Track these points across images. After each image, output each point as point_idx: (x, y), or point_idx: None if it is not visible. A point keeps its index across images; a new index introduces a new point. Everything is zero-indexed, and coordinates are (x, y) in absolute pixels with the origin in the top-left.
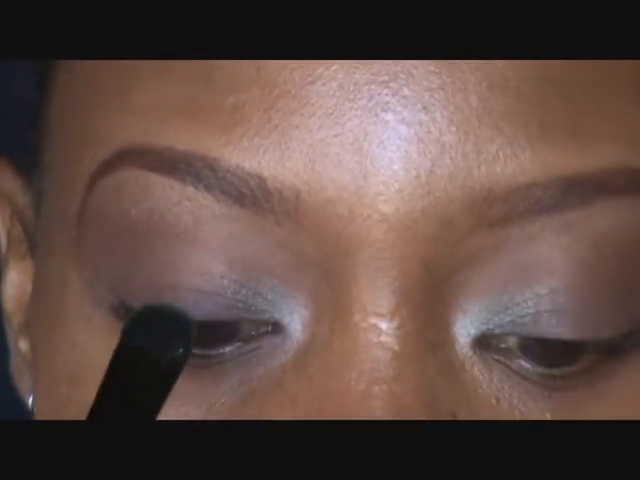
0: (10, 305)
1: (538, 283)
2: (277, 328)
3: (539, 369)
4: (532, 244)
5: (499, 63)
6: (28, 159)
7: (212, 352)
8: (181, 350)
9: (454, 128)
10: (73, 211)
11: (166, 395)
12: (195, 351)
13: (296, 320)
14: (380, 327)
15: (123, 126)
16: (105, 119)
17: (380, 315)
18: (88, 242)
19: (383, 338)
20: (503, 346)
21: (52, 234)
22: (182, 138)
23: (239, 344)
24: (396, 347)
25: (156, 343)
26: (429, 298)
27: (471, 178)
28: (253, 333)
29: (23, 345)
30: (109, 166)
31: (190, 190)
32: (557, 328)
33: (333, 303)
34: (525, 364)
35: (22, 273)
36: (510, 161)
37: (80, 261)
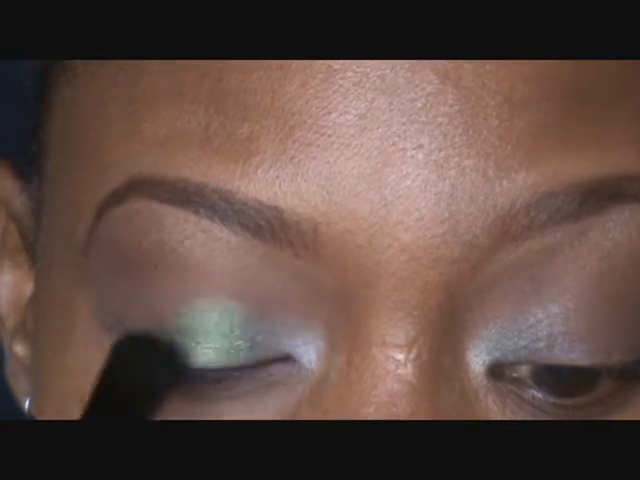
0: (4, 307)
1: (551, 302)
2: (290, 359)
3: (552, 399)
4: (551, 257)
5: (519, 85)
6: (28, 166)
7: (224, 381)
8: (163, 379)
9: (474, 151)
10: (80, 236)
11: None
12: (207, 379)
13: (311, 351)
14: (398, 359)
15: (133, 155)
16: (114, 146)
17: (398, 346)
18: (95, 269)
19: (400, 370)
20: (516, 375)
21: (56, 253)
22: (195, 169)
23: (251, 372)
24: (413, 380)
25: (139, 369)
26: (447, 325)
27: (492, 196)
28: (266, 362)
29: (19, 348)
30: (119, 196)
31: (205, 222)
32: (570, 354)
33: (350, 334)
34: (537, 394)
35: (17, 275)
36: (531, 171)
37: (87, 287)
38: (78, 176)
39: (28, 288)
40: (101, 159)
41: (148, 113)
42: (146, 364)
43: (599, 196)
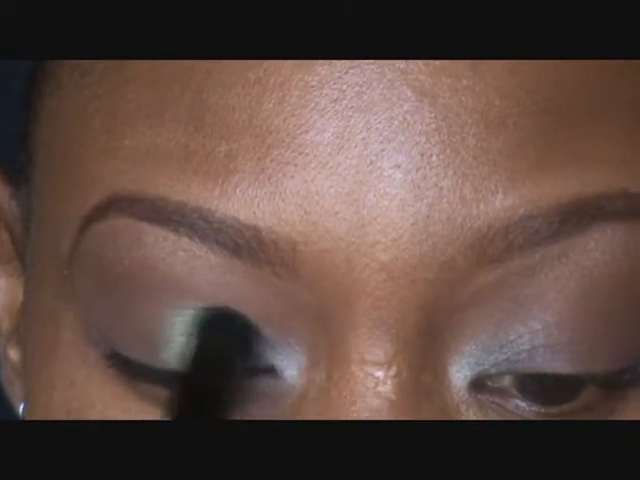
0: None
1: (532, 319)
2: (272, 372)
3: (535, 408)
4: (530, 278)
5: (496, 101)
6: (17, 173)
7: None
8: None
9: (451, 172)
10: (64, 250)
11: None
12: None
13: (293, 366)
14: (377, 376)
15: (114, 171)
16: (96, 160)
17: (377, 364)
18: (80, 284)
19: (380, 387)
20: (498, 386)
21: (43, 265)
22: (175, 188)
23: (230, 384)
24: (393, 396)
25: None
26: (426, 343)
27: (470, 218)
28: (244, 375)
29: (12, 353)
30: (101, 211)
31: (184, 241)
32: (552, 362)
33: (330, 351)
34: (521, 403)
35: (10, 281)
36: (509, 194)
37: (72, 300)
38: (62, 189)
39: (21, 293)
40: (84, 173)
41: (129, 128)
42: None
43: (579, 216)
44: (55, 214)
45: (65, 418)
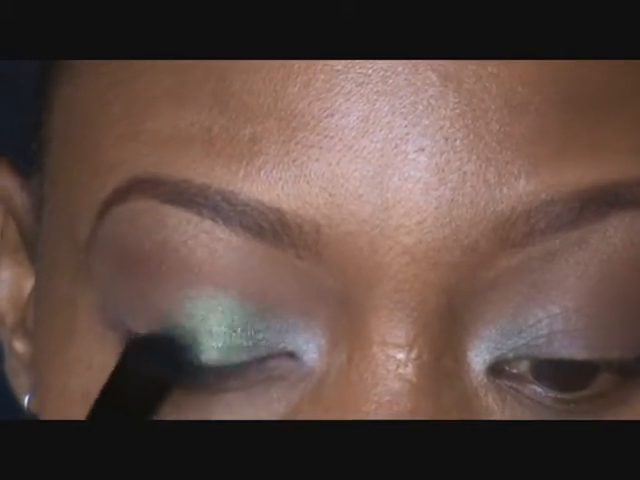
0: (4, 304)
1: (551, 304)
2: (292, 356)
3: (552, 394)
4: (551, 263)
5: (519, 88)
6: (28, 163)
7: (227, 375)
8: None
9: (475, 156)
10: (82, 235)
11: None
12: (210, 375)
13: (313, 349)
14: (398, 358)
15: (136, 154)
16: (116, 145)
17: (399, 346)
18: (98, 268)
19: (401, 370)
20: (515, 371)
21: (58, 252)
22: (199, 170)
23: (255, 366)
24: (414, 379)
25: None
26: (447, 326)
27: (493, 201)
28: (264, 360)
29: (18, 345)
30: (122, 194)
31: (207, 223)
32: (569, 349)
33: (351, 334)
34: (538, 389)
35: (16, 272)
36: (531, 179)
37: (90, 285)
38: (80, 175)
39: (27, 285)
40: (103, 158)
41: (150, 113)
42: (152, 364)
43: (598, 203)
44: (72, 200)
45: (81, 401)
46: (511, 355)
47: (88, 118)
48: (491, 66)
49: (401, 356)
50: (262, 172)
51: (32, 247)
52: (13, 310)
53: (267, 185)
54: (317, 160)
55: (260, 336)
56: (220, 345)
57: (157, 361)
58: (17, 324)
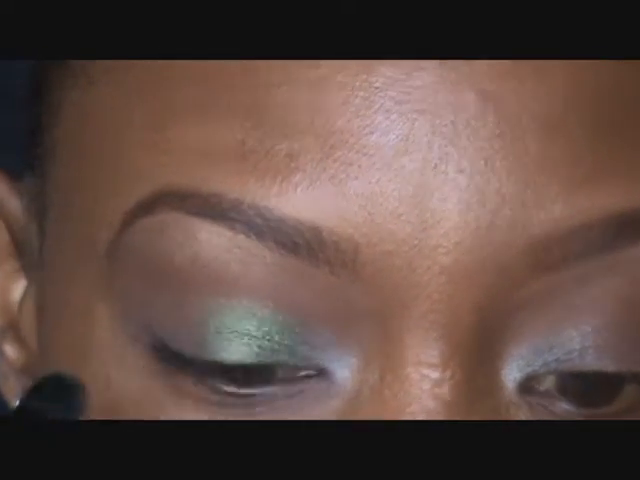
0: None
1: (583, 324)
2: (323, 373)
3: (578, 410)
4: (584, 286)
5: (558, 107)
6: (25, 168)
7: (248, 392)
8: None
9: (514, 178)
10: (101, 244)
11: None
12: (232, 391)
13: (345, 367)
14: (432, 377)
15: (161, 165)
16: (139, 154)
17: (433, 366)
18: (121, 279)
19: (436, 389)
20: (543, 389)
21: (71, 260)
22: (231, 184)
23: (286, 385)
24: (448, 397)
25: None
26: (480, 345)
27: (530, 225)
28: (294, 376)
29: (8, 349)
30: (147, 206)
31: (240, 238)
32: (598, 361)
33: (384, 353)
34: (565, 406)
35: (6, 276)
36: (568, 203)
37: (110, 295)
38: (98, 183)
39: (17, 289)
40: (126, 167)
41: (177, 122)
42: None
43: (632, 229)
44: (90, 209)
45: (100, 416)
46: (541, 371)
47: (106, 125)
48: (530, 82)
49: (435, 375)
50: (299, 189)
51: (23, 251)
52: (3, 313)
53: (304, 202)
54: (356, 178)
55: (294, 349)
56: (253, 353)
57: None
58: (6, 328)
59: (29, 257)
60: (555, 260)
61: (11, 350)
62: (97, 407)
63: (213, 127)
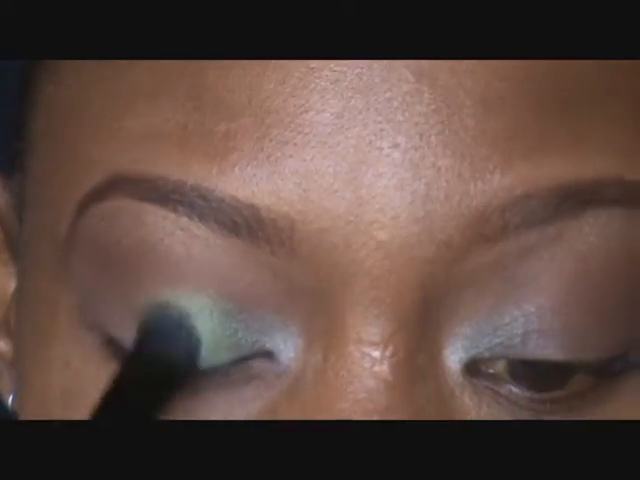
0: None
1: (526, 302)
2: (268, 356)
3: (528, 394)
4: (526, 259)
5: (495, 83)
6: (10, 162)
7: (203, 373)
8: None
9: (450, 151)
10: (61, 233)
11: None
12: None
13: (289, 347)
14: (374, 356)
15: (114, 152)
16: (95, 142)
17: (374, 344)
18: (77, 267)
19: (376, 367)
20: (492, 371)
21: (39, 250)
22: (174, 167)
23: (231, 366)
24: (389, 377)
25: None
26: (423, 324)
27: (467, 196)
28: (246, 357)
29: (1, 344)
30: (100, 192)
31: (184, 220)
32: (545, 349)
33: (327, 331)
34: (514, 389)
35: (0, 271)
36: (507, 174)
37: (70, 284)
38: (60, 173)
39: (11, 284)
40: (82, 156)
41: (129, 110)
42: (163, 356)
43: (575, 200)
44: (52, 198)
45: (60, 399)
46: (487, 354)
47: (69, 115)
48: (466, 63)
49: (376, 354)
50: (236, 168)
51: (15, 247)
52: None
53: (241, 181)
54: (291, 156)
55: (238, 335)
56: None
57: (173, 351)
58: (1, 323)
59: (17, 251)
60: (494, 231)
61: (3, 345)
62: (56, 387)
63: (159, 113)
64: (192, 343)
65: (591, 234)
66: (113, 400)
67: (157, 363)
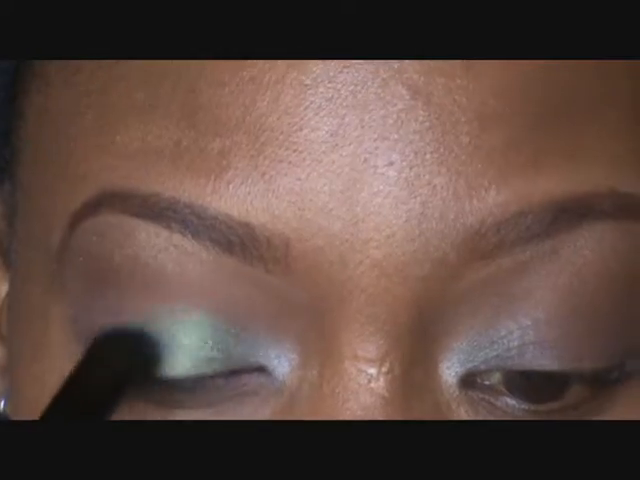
0: None
1: (522, 315)
2: (263, 371)
3: (525, 405)
4: (521, 274)
5: (490, 100)
6: (0, 171)
7: (198, 389)
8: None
9: (445, 169)
10: (53, 245)
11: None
12: (181, 388)
13: (284, 364)
14: (370, 372)
15: (106, 167)
16: (87, 156)
17: (370, 361)
18: (69, 280)
19: (373, 384)
20: (487, 383)
21: (31, 261)
22: (167, 184)
23: (225, 382)
24: (386, 393)
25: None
26: (418, 339)
27: (462, 214)
28: (240, 372)
29: None
30: (92, 207)
31: (177, 237)
32: (541, 360)
33: (322, 348)
34: (511, 401)
35: None
36: (502, 190)
37: (62, 296)
38: (51, 185)
39: (2, 290)
40: (74, 169)
41: (121, 125)
42: (115, 359)
43: (570, 214)
44: (44, 210)
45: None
46: (483, 367)
47: (60, 127)
48: (460, 78)
49: (372, 370)
50: (231, 186)
51: (7, 254)
52: None
53: (236, 199)
54: (286, 175)
55: (231, 351)
56: (191, 360)
57: (120, 356)
58: None
59: (7, 259)
60: (490, 248)
61: None
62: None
63: (152, 128)
64: (149, 351)
65: (585, 247)
66: (60, 402)
67: (103, 367)
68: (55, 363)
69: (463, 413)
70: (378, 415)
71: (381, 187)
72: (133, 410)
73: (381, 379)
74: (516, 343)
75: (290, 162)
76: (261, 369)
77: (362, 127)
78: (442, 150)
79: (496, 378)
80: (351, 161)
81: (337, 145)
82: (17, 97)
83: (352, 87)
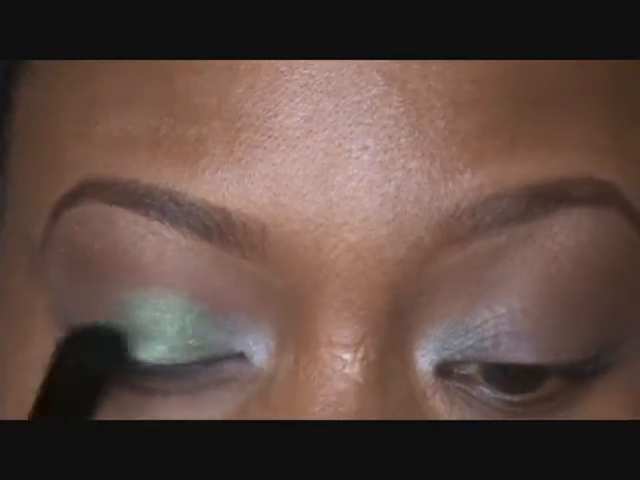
0: None
1: (497, 303)
2: (241, 358)
3: (501, 396)
4: (497, 259)
5: (466, 85)
6: None
7: (175, 376)
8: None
9: (419, 153)
10: (36, 236)
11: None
12: (159, 375)
13: (261, 350)
14: (345, 358)
15: (87, 156)
16: (69, 147)
17: (345, 346)
18: (52, 270)
19: (347, 370)
20: (464, 373)
21: (15, 251)
22: (145, 171)
23: (203, 368)
24: (360, 379)
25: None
26: (394, 325)
27: (437, 197)
28: (218, 359)
29: None
30: (73, 197)
31: (155, 224)
32: (516, 352)
33: (298, 334)
34: (486, 390)
35: None
36: (477, 174)
37: (43, 287)
38: (35, 176)
39: None
40: (57, 160)
41: (101, 115)
42: (90, 357)
43: (546, 199)
44: (28, 201)
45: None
46: (458, 356)
47: (45, 119)
48: (436, 65)
49: (347, 356)
50: (207, 172)
51: None
52: None
53: (212, 185)
54: (261, 160)
55: (210, 337)
56: (170, 346)
57: (96, 354)
58: None
59: None
60: (465, 232)
61: None
62: (34, 388)
63: (131, 117)
64: (122, 343)
65: (561, 233)
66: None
67: (77, 364)
68: (38, 351)
69: (438, 401)
70: (352, 401)
71: (355, 171)
72: (110, 397)
73: (356, 365)
74: (491, 333)
75: (265, 148)
76: (240, 355)
77: (336, 112)
78: (417, 134)
79: (473, 368)
80: (325, 146)
81: (312, 131)
82: (8, 90)
83: (327, 73)
